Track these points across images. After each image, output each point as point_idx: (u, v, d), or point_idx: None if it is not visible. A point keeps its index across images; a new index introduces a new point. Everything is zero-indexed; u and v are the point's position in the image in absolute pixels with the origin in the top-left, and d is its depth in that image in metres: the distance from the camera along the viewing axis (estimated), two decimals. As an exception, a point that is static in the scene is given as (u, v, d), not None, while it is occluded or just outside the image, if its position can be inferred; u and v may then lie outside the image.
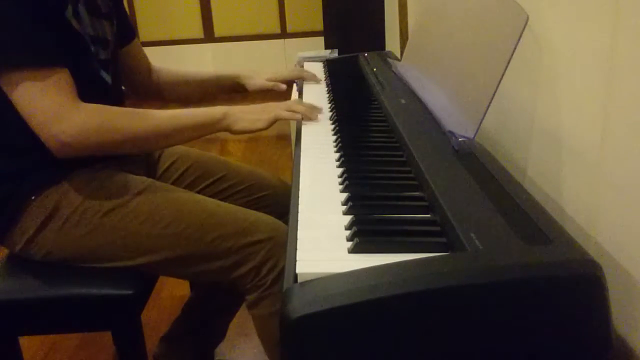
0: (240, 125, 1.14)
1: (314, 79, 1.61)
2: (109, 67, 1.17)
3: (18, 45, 0.98)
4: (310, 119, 1.22)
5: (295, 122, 1.23)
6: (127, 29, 1.33)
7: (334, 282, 0.63)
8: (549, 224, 0.71)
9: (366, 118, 1.25)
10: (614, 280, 0.70)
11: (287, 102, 1.23)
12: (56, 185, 1.08)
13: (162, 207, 1.09)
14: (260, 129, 1.15)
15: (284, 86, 1.52)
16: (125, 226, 1.07)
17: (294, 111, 1.20)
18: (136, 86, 1.42)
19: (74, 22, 1.06)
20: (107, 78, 1.16)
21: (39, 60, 0.98)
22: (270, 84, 1.48)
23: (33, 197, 1.08)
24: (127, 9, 1.40)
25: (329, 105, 1.37)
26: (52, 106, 0.99)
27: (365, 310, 0.60)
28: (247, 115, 1.15)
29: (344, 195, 0.86)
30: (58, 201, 1.08)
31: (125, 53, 1.33)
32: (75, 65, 1.03)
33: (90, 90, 1.04)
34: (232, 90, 1.50)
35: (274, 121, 1.16)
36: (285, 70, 1.61)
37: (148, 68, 1.43)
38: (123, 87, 1.34)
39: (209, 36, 4.38)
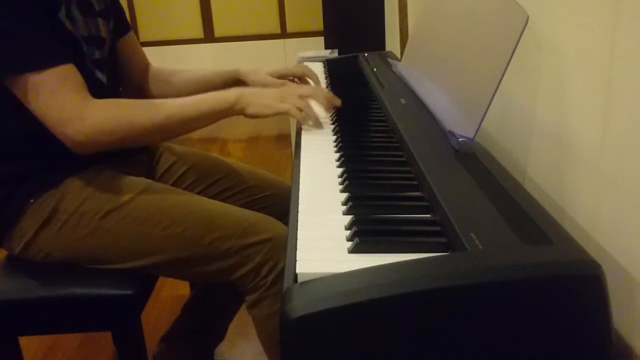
0: (251, 109, 1.11)
1: (316, 80, 1.57)
2: (103, 67, 1.16)
3: (21, 50, 0.98)
4: (319, 123, 1.19)
5: (295, 121, 1.22)
6: (121, 23, 1.31)
7: (334, 282, 0.63)
8: (549, 224, 0.71)
9: (366, 118, 1.25)
10: (614, 280, 0.70)
11: (307, 91, 1.18)
12: (55, 187, 1.08)
13: (161, 208, 1.08)
14: (270, 115, 1.12)
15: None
16: (124, 228, 1.07)
17: (308, 106, 1.16)
18: (134, 83, 1.39)
19: (67, 23, 1.06)
20: (102, 78, 1.15)
21: (43, 62, 0.98)
22: (278, 82, 1.42)
23: (32, 200, 1.08)
24: (127, 10, 1.38)
25: (329, 105, 1.37)
26: (63, 107, 0.99)
27: (365, 310, 0.60)
28: (259, 99, 1.12)
29: (344, 195, 0.86)
30: (57, 203, 1.07)
31: (119, 46, 1.31)
32: None
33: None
34: (232, 85, 1.44)
35: (284, 113, 1.13)
36: (289, 65, 1.54)
37: (145, 66, 1.41)
38: (120, 88, 1.33)
39: (209, 36, 4.37)
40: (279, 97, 1.14)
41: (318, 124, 1.19)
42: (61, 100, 0.99)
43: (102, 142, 1.03)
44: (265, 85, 1.40)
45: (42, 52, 0.99)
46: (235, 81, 1.43)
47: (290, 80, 1.45)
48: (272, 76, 1.40)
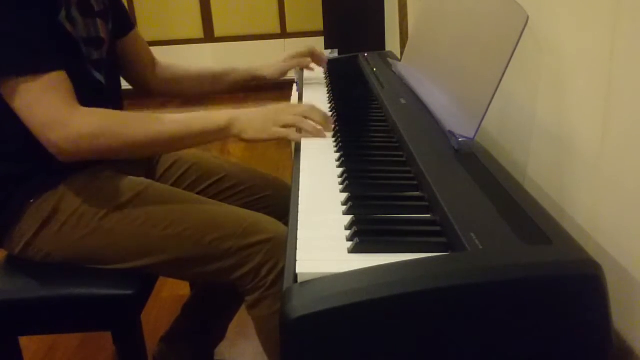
0: (248, 134, 1.07)
1: (322, 61, 1.60)
2: (102, 67, 1.16)
3: (14, 53, 0.98)
4: (317, 136, 1.13)
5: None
6: (124, 21, 1.32)
7: (334, 282, 0.63)
8: (549, 224, 0.71)
9: (366, 118, 1.25)
10: (614, 280, 0.70)
11: (299, 111, 1.12)
12: (55, 188, 1.08)
13: (161, 208, 1.08)
14: (267, 140, 1.09)
15: (308, 60, 1.52)
16: (124, 228, 1.07)
17: (303, 128, 1.11)
18: (139, 80, 1.40)
19: (68, 25, 1.06)
20: (101, 78, 1.15)
21: (34, 66, 0.98)
22: (294, 61, 1.45)
23: (32, 200, 1.08)
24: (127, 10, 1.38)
25: (329, 105, 1.37)
26: (48, 113, 0.98)
27: (365, 310, 0.60)
28: (254, 124, 1.08)
29: (344, 195, 0.86)
30: (57, 204, 1.07)
31: (124, 45, 1.31)
32: (68, 68, 1.02)
33: (84, 91, 1.04)
34: (247, 83, 1.46)
35: (282, 138, 1.09)
36: (297, 48, 1.56)
37: (152, 62, 1.41)
38: (124, 86, 1.33)
39: (209, 36, 4.38)
40: (272, 120, 1.09)
41: (320, 134, 1.14)
42: (46, 105, 0.98)
43: (85, 150, 1.01)
44: (281, 72, 1.45)
45: (33, 58, 0.98)
46: (251, 77, 1.44)
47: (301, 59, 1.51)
48: (285, 61, 1.45)
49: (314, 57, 1.58)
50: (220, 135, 1.08)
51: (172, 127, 1.06)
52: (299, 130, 1.11)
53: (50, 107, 0.98)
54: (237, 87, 1.47)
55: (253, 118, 1.09)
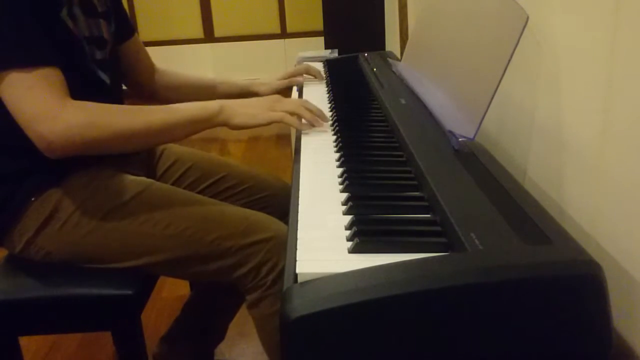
0: (238, 119, 1.09)
1: (319, 76, 1.61)
2: (106, 67, 1.16)
3: (7, 45, 0.97)
4: (314, 126, 1.18)
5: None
6: (125, 26, 1.32)
7: (334, 282, 0.63)
8: (549, 224, 0.71)
9: (366, 118, 1.25)
10: (614, 280, 0.70)
11: (295, 102, 1.18)
12: (56, 186, 1.08)
13: (161, 208, 1.08)
14: (260, 125, 1.11)
15: (300, 79, 1.52)
16: (125, 227, 1.07)
17: (300, 115, 1.16)
18: (138, 86, 1.41)
19: (69, 23, 1.06)
20: (105, 78, 1.15)
21: (26, 59, 0.97)
22: (286, 81, 1.46)
23: (33, 199, 1.08)
24: (127, 9, 1.39)
25: (329, 105, 1.37)
26: (37, 105, 0.97)
27: (365, 311, 0.60)
28: (246, 109, 1.10)
29: (344, 195, 0.86)
30: (57, 202, 1.07)
31: (124, 50, 1.32)
32: (71, 66, 1.02)
33: (88, 90, 1.04)
34: (240, 96, 1.45)
35: (277, 122, 1.12)
36: (291, 68, 1.58)
37: (151, 68, 1.41)
38: (124, 87, 1.33)
39: (209, 36, 4.38)
40: (267, 106, 1.12)
41: (317, 124, 1.18)
42: (35, 98, 0.97)
43: (75, 144, 0.98)
44: (274, 90, 1.44)
45: (25, 51, 0.98)
46: (247, 93, 1.45)
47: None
48: (280, 79, 1.47)
49: (309, 73, 1.60)
50: (211, 122, 1.09)
51: (163, 117, 1.05)
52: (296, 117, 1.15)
53: (39, 100, 0.97)
54: (231, 97, 1.47)
55: (245, 105, 1.11)
